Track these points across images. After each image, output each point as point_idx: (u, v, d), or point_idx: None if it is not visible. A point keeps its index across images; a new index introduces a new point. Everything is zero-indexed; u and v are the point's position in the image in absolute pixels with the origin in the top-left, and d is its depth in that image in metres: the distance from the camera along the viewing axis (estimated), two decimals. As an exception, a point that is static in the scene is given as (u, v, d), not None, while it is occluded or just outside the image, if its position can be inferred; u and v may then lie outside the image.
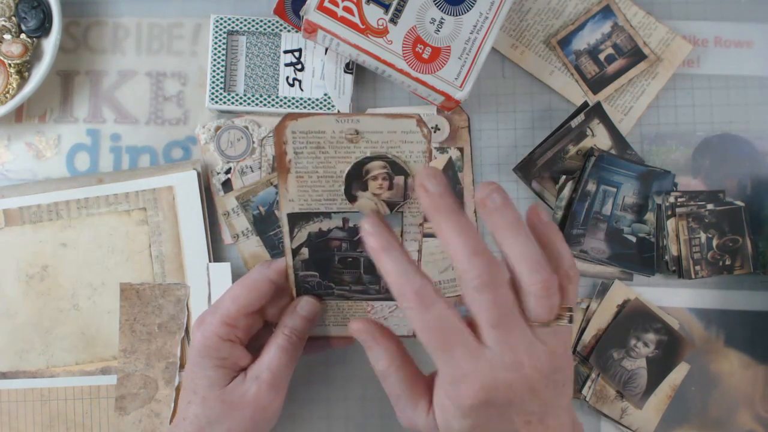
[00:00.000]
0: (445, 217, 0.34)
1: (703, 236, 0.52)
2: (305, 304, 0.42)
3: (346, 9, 0.48)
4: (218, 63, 0.52)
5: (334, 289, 0.43)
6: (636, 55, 0.54)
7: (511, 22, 0.55)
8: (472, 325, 0.34)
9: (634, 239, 0.52)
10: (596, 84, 0.54)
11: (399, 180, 0.38)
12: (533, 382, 0.34)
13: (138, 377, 0.51)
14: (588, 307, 0.52)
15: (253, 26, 0.53)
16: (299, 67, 0.53)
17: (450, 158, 0.54)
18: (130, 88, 0.54)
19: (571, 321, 0.35)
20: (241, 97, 0.52)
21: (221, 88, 0.52)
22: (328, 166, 0.38)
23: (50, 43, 0.51)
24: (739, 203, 0.52)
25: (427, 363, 0.37)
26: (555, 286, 0.34)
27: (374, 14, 0.48)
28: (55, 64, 0.52)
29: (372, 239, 0.35)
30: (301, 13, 0.48)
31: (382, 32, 0.48)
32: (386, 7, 0.48)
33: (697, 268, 0.52)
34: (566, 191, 0.52)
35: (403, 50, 0.48)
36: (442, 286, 0.53)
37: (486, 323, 0.34)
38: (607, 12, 0.54)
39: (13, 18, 0.52)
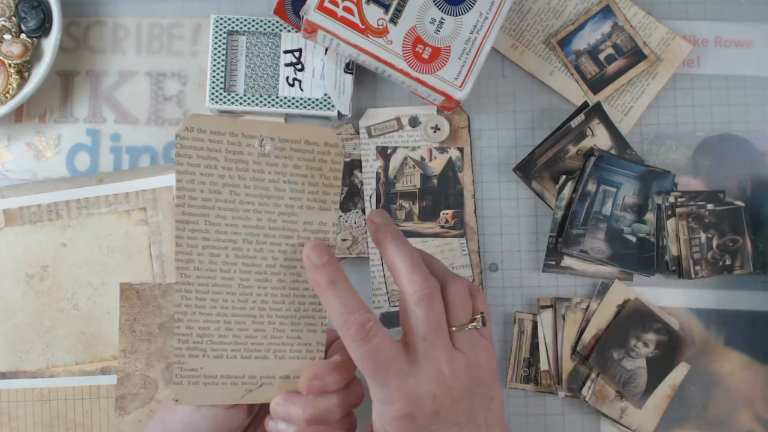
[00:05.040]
0: (389, 242, 0.37)
1: (703, 236, 0.52)
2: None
3: (346, 9, 0.48)
4: (218, 63, 0.52)
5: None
6: (636, 55, 0.54)
7: (511, 22, 0.55)
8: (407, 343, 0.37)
9: (634, 239, 0.52)
10: (596, 84, 0.54)
11: None
12: (454, 392, 0.36)
13: (138, 377, 0.51)
14: (588, 307, 0.52)
15: (253, 26, 0.53)
16: (299, 67, 0.53)
17: (450, 158, 0.54)
18: (130, 88, 0.54)
19: (483, 323, 0.38)
20: (241, 97, 0.52)
21: (221, 88, 0.52)
22: None
23: (50, 43, 0.51)
24: (739, 203, 0.52)
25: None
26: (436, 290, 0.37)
27: (374, 14, 0.48)
28: (55, 64, 0.52)
29: (319, 273, 0.36)
30: (301, 13, 0.48)
31: (382, 32, 0.48)
32: (386, 7, 0.48)
33: (697, 268, 0.52)
34: (566, 191, 0.52)
35: (403, 50, 0.48)
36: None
37: (419, 337, 0.36)
38: (607, 12, 0.54)
39: (13, 18, 0.52)
